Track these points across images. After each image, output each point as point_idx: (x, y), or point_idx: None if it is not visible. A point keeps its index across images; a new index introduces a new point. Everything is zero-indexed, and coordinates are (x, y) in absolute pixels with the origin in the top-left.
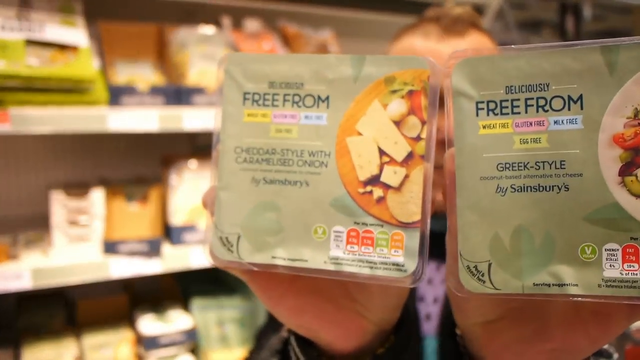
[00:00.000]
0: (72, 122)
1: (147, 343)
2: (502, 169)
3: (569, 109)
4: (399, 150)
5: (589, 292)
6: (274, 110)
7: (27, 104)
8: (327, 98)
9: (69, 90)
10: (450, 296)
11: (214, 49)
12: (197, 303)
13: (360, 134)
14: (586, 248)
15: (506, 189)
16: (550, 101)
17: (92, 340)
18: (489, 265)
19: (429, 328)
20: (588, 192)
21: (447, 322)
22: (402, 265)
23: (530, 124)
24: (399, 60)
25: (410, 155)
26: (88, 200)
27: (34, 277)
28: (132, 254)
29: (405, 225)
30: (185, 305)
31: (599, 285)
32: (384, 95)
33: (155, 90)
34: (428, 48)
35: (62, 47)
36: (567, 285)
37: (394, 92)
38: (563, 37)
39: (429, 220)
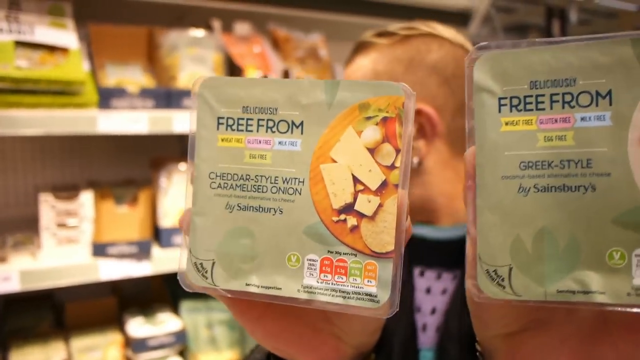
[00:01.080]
0: (61, 124)
1: (135, 345)
2: (524, 167)
3: (596, 105)
4: (373, 179)
5: (617, 300)
6: (247, 136)
7: (16, 106)
8: (301, 124)
9: (59, 92)
10: (470, 306)
11: (205, 52)
12: (186, 305)
13: (334, 160)
14: (614, 253)
15: (529, 189)
16: (577, 97)
17: (81, 343)
18: (510, 269)
19: (425, 340)
20: (617, 193)
21: (447, 333)
22: (375, 296)
23: (556, 120)
24: (373, 86)
25: (384, 184)
26: (77, 202)
27: (22, 280)
28: (122, 256)
29: (378, 256)
30: (174, 308)
31: (628, 294)
32: (358, 122)
33: (145, 93)
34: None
35: (51, 49)
36: (593, 292)
37: (369, 118)
38: None
39: (402, 250)
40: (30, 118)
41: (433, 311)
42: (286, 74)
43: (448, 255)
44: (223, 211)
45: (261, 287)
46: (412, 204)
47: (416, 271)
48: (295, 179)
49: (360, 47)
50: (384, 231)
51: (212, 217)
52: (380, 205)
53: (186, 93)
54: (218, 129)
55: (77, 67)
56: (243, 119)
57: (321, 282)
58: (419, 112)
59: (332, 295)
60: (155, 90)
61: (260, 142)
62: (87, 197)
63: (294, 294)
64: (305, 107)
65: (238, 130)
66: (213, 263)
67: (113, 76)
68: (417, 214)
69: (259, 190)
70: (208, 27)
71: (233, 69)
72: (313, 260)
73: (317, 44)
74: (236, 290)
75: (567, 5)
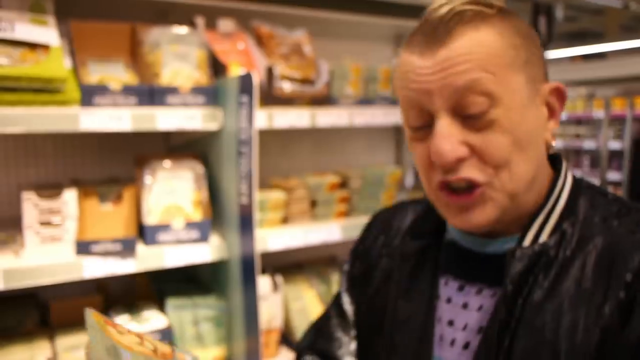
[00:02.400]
0: (43, 122)
1: None
2: None
3: None
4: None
5: None
6: None
7: None
8: None
9: (40, 89)
10: None
11: (188, 49)
12: (171, 302)
13: None
14: None
15: None
16: None
17: (66, 341)
18: None
19: (451, 355)
20: None
21: (485, 355)
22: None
23: None
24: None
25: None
26: (60, 200)
27: (5, 279)
28: (106, 254)
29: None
30: (160, 305)
31: None
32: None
33: (128, 90)
34: (412, 65)
35: (32, 46)
36: None
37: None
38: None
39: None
40: (11, 116)
41: (465, 327)
42: (270, 72)
43: (491, 270)
44: None
45: None
46: (528, 197)
47: (455, 285)
48: None
49: (457, 21)
50: None
51: None
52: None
53: (169, 90)
54: None
55: (58, 64)
56: None
57: None
58: (552, 91)
59: None
60: (138, 87)
61: None
62: (70, 195)
63: None
64: None
65: None
66: None
67: (95, 73)
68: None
69: None
70: (191, 24)
71: (216, 65)
72: None
73: (302, 40)
74: None
75: (553, 2)
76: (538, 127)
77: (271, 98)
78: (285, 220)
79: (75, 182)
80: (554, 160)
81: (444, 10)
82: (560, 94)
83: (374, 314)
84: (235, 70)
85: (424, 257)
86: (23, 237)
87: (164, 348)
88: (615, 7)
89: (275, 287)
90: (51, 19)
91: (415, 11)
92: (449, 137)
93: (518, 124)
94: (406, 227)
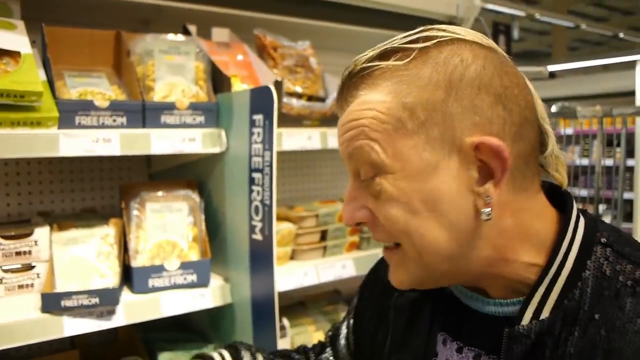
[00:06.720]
0: (15, 146)
1: None
2: None
3: None
4: None
5: None
6: None
7: None
8: None
9: (10, 106)
10: None
11: (184, 59)
12: (164, 357)
13: None
14: None
15: None
16: None
17: None
18: None
19: None
20: None
21: None
22: None
23: None
24: None
25: None
26: (30, 240)
27: None
28: (86, 307)
29: None
30: None
31: None
32: None
33: (115, 107)
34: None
35: None
36: None
37: None
38: None
39: None
40: None
41: None
42: (278, 86)
43: (489, 334)
44: None
45: None
46: (458, 268)
47: (454, 345)
48: None
49: (361, 78)
50: None
51: None
52: None
53: (165, 107)
54: None
55: (32, 76)
56: None
57: None
58: (477, 148)
59: None
60: (129, 104)
61: None
62: (42, 233)
63: None
64: None
65: None
66: None
67: (74, 88)
68: (466, 278)
69: None
70: (181, 34)
71: (217, 79)
72: None
73: (307, 52)
74: None
75: (511, 22)
76: (454, 191)
77: (278, 116)
78: (293, 255)
79: (44, 216)
80: (565, 202)
81: (352, 67)
82: (487, 151)
83: None
84: (237, 85)
85: (420, 309)
86: None
87: None
88: (563, 27)
89: (283, 331)
90: (20, 23)
91: (423, 22)
92: (348, 203)
93: (413, 191)
94: None
